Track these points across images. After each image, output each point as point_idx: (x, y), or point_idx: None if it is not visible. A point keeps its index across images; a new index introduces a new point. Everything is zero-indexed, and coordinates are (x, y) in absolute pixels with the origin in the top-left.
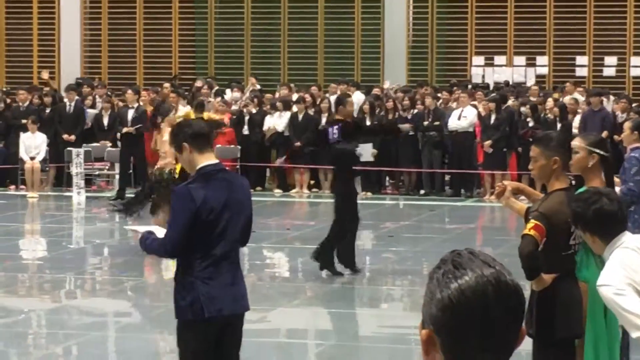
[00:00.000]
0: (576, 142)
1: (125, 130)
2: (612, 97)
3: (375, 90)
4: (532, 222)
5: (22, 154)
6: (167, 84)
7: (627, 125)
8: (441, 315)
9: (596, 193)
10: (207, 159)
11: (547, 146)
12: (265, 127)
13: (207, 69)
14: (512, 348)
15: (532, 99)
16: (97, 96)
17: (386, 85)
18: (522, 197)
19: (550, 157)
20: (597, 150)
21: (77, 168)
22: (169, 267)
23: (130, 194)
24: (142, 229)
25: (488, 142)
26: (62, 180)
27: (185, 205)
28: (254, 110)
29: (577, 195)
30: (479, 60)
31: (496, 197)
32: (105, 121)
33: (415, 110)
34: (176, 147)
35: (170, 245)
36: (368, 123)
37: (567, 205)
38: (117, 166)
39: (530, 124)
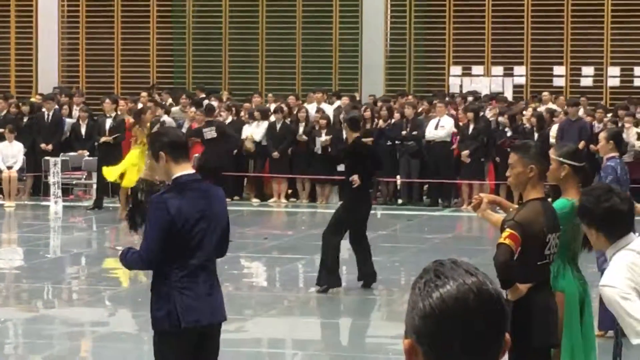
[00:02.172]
0: (549, 153)
1: (103, 139)
2: (582, 108)
3: (344, 100)
4: (508, 231)
5: None
6: (144, 93)
7: (602, 135)
8: (423, 324)
9: (609, 191)
10: (183, 169)
11: (526, 154)
12: (242, 137)
13: (185, 79)
14: (496, 357)
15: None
16: (74, 105)
17: None
18: (499, 209)
19: (527, 164)
20: (567, 161)
21: (54, 177)
22: (147, 276)
23: (107, 203)
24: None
25: (466, 152)
26: (40, 189)
27: (160, 214)
28: (230, 119)
29: (588, 190)
30: (456, 70)
31: (472, 209)
32: (83, 130)
33: (393, 120)
34: (153, 155)
35: (146, 255)
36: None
37: (542, 215)
38: (94, 175)
39: (509, 134)
